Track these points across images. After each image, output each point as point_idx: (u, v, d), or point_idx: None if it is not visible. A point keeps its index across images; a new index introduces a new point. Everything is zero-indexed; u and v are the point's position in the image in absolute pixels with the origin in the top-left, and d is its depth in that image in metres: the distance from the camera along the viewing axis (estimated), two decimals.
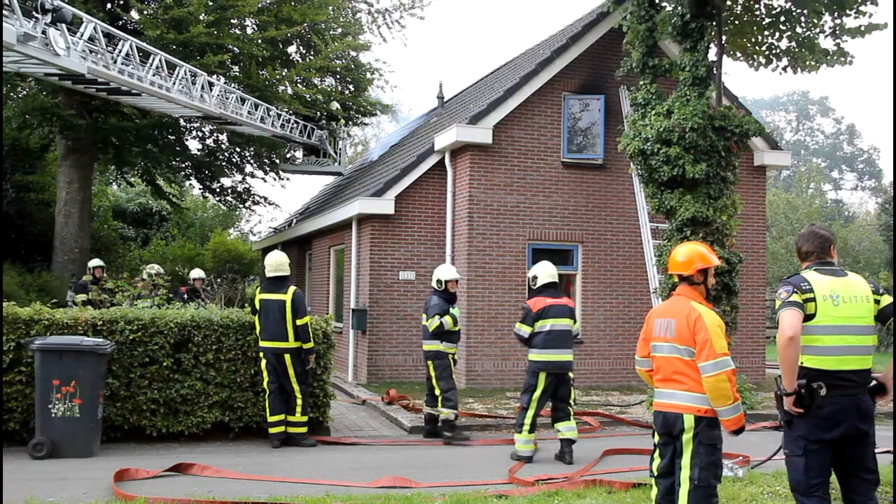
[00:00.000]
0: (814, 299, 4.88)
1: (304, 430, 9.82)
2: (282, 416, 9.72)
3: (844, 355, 4.88)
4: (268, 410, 9.73)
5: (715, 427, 5.16)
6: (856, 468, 4.94)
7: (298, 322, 9.67)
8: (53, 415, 8.65)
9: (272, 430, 9.69)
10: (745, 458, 8.77)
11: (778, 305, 4.92)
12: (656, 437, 5.39)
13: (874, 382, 5.00)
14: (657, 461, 5.37)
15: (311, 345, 9.78)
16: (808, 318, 4.86)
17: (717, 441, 5.17)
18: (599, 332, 15.71)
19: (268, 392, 9.74)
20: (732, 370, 5.04)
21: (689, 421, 5.10)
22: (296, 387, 9.74)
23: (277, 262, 10.01)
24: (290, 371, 9.71)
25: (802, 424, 4.87)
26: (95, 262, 15.55)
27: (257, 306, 9.84)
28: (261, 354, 9.79)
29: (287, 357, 9.69)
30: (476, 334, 14.94)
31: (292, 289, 9.83)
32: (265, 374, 9.75)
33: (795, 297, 4.87)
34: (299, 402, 9.74)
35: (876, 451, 4.99)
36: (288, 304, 9.66)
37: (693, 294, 5.39)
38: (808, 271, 5.07)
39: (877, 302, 5.03)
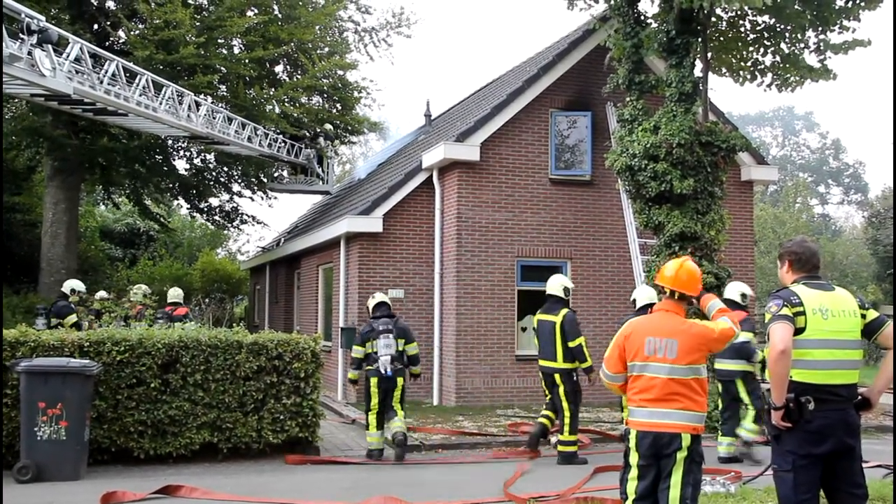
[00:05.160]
0: (804, 313, 4.86)
1: (573, 448, 10.09)
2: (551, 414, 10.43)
3: (833, 369, 4.85)
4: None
5: (700, 443, 5.17)
6: (844, 483, 4.90)
7: (570, 344, 10.11)
8: (39, 437, 8.56)
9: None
10: (737, 473, 8.75)
11: (768, 319, 4.88)
12: (634, 458, 5.20)
13: (860, 397, 4.99)
14: (634, 482, 5.18)
15: (588, 363, 10.25)
16: (798, 331, 4.83)
17: (703, 458, 5.18)
18: (589, 348, 15.61)
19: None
20: (735, 320, 5.37)
21: (686, 440, 5.05)
22: (565, 406, 10.04)
23: (552, 284, 10.49)
24: (560, 390, 10.08)
25: (791, 439, 4.84)
26: (80, 284, 15.01)
27: (535, 326, 10.49)
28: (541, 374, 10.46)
29: (557, 376, 10.14)
30: (465, 352, 14.90)
31: (564, 311, 10.25)
32: (547, 392, 10.37)
33: (786, 311, 4.84)
34: (567, 420, 10.04)
35: (867, 465, 4.97)
36: (558, 326, 10.14)
37: (680, 311, 5.36)
38: (798, 285, 5.04)
39: (863, 317, 5.01)
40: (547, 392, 10.38)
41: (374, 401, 10.30)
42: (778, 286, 5.27)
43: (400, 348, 10.44)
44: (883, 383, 5.04)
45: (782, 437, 4.88)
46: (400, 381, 10.37)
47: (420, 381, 15.46)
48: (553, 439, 10.41)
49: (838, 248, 40.14)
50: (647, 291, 10.72)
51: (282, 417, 9.99)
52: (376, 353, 10.28)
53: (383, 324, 10.44)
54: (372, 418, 10.35)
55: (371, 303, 10.88)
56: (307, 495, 8.10)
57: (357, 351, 10.58)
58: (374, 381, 10.30)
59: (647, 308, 10.13)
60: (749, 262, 17.35)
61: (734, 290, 10.60)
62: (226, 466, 9.64)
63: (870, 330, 5.01)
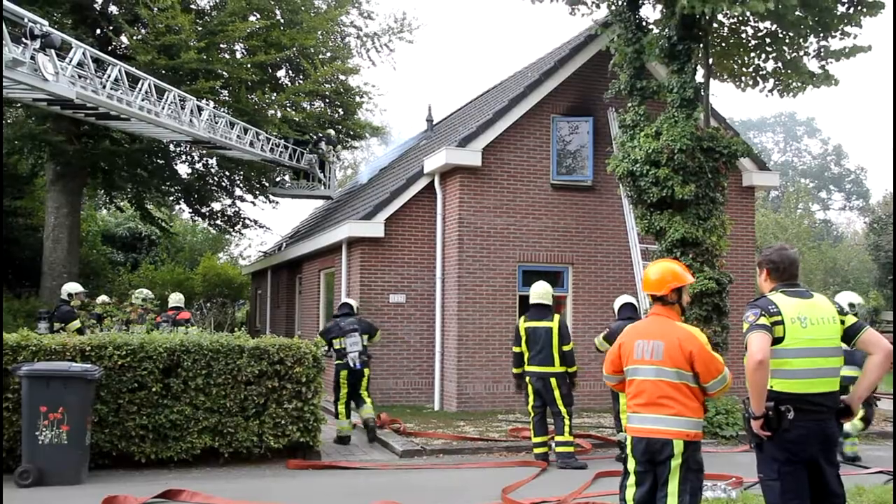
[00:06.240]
0: (782, 322, 4.85)
1: (572, 448, 10.26)
2: (545, 438, 10.37)
3: (813, 378, 4.85)
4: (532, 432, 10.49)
5: (699, 450, 5.11)
6: (823, 491, 4.91)
7: (565, 348, 10.25)
8: (40, 442, 8.56)
9: (536, 451, 10.41)
10: (738, 479, 8.74)
11: (745, 329, 4.88)
12: (631, 464, 5.20)
13: (841, 405, 4.99)
14: (632, 489, 5.17)
15: (575, 368, 10.38)
16: (777, 341, 4.83)
17: (702, 465, 5.12)
18: (591, 353, 15.63)
19: (532, 415, 10.42)
20: (731, 376, 5.19)
21: (678, 446, 4.99)
22: (562, 409, 10.19)
23: (542, 293, 10.60)
24: (556, 394, 10.20)
25: (771, 447, 4.85)
26: (78, 287, 14.78)
27: (522, 334, 10.41)
28: (527, 379, 10.40)
29: (553, 381, 10.22)
30: (467, 357, 14.89)
31: (557, 317, 10.45)
32: (531, 397, 10.36)
33: (763, 321, 4.83)
34: (567, 422, 10.19)
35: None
36: (555, 331, 10.26)
37: (671, 314, 5.30)
38: (775, 293, 5.03)
39: (842, 322, 5.01)
40: (533, 398, 10.37)
41: (343, 392, 11.71)
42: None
43: (365, 343, 11.84)
44: (864, 389, 5.03)
45: (764, 446, 4.91)
46: (367, 371, 11.85)
47: (421, 386, 15.55)
48: (552, 443, 10.45)
49: (840, 253, 40.14)
50: (624, 298, 10.88)
51: (283, 422, 9.99)
52: (344, 349, 11.64)
53: (350, 323, 11.82)
54: (341, 408, 11.69)
55: (336, 304, 12.45)
56: (308, 500, 8.10)
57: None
58: (343, 374, 11.69)
59: (628, 310, 10.41)
60: (750, 268, 17.33)
61: (844, 298, 10.47)
62: (227, 471, 9.64)
63: (848, 335, 5.01)
